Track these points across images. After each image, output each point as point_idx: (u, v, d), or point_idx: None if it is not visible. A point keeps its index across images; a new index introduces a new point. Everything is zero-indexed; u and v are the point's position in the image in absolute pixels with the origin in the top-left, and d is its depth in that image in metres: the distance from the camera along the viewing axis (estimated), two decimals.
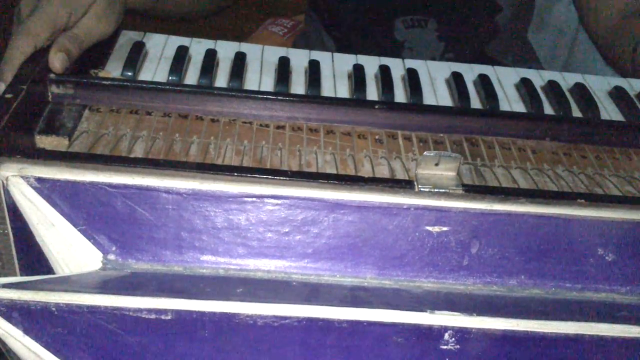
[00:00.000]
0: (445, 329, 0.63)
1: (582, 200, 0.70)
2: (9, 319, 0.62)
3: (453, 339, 0.63)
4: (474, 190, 0.70)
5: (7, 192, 0.67)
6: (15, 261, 0.69)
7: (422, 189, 0.69)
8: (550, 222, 0.70)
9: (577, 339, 0.64)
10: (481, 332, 0.63)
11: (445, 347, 0.64)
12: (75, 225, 0.68)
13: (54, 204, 0.67)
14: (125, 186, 0.67)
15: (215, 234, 0.69)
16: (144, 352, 0.64)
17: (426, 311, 0.63)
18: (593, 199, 0.71)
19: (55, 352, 0.63)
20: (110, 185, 0.67)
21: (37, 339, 0.63)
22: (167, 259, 0.69)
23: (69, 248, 0.68)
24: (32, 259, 0.69)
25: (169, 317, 0.62)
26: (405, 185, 0.69)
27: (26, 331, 0.63)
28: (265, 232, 0.69)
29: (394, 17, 1.19)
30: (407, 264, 0.70)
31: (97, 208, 0.68)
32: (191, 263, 0.69)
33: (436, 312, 0.63)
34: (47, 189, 0.67)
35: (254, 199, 0.68)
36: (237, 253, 0.69)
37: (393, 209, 0.69)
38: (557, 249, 0.71)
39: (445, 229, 0.70)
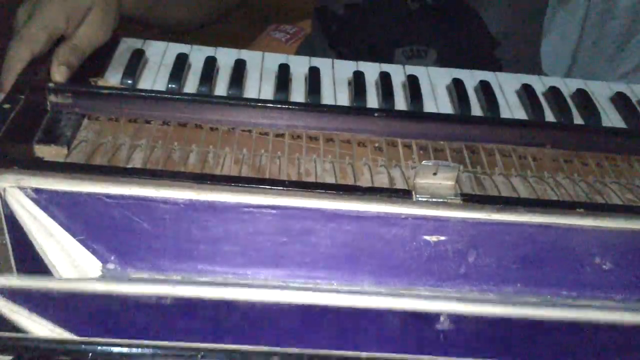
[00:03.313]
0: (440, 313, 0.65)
1: (581, 210, 0.70)
2: (14, 300, 0.66)
3: (448, 320, 0.64)
4: (472, 200, 0.69)
5: (4, 203, 0.67)
6: (14, 271, 0.69)
7: (420, 199, 0.69)
8: (548, 232, 0.70)
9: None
10: (476, 317, 0.64)
11: (440, 327, 0.65)
12: (74, 235, 0.68)
13: (52, 215, 0.67)
14: (123, 197, 0.67)
15: (213, 243, 0.69)
16: (146, 327, 0.69)
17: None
18: (592, 208, 0.70)
19: (62, 326, 0.68)
20: (108, 196, 0.67)
21: (43, 315, 0.67)
22: (165, 267, 0.69)
23: (68, 258, 0.68)
24: (31, 269, 0.69)
25: (168, 302, 0.66)
26: (403, 195, 0.69)
27: (31, 310, 0.67)
28: (263, 242, 0.69)
29: (394, 46, 1.19)
30: (404, 273, 0.70)
31: (95, 218, 0.68)
32: (189, 272, 0.69)
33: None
34: (45, 200, 0.67)
35: (252, 209, 0.68)
36: (234, 262, 0.69)
37: (391, 218, 0.69)
38: (554, 258, 0.70)
39: (442, 238, 0.69)
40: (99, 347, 0.69)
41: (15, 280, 0.67)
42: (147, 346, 0.69)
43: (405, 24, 1.18)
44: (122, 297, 0.67)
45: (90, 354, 0.69)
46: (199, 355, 0.69)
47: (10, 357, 0.69)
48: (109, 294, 0.67)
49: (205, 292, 0.68)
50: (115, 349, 0.69)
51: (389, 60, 1.18)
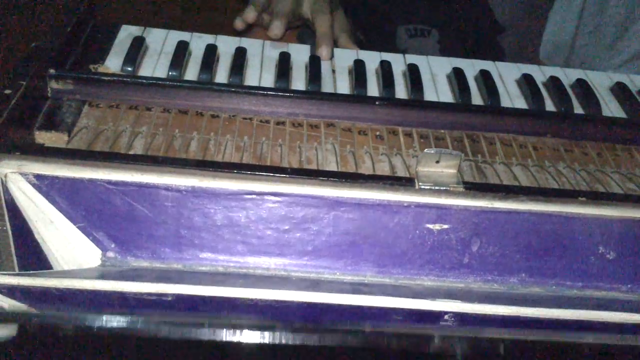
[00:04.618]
0: (444, 312, 0.64)
1: (583, 198, 0.70)
2: (13, 297, 0.63)
3: (453, 318, 0.64)
4: (474, 188, 0.69)
5: (5, 188, 0.66)
6: (14, 258, 0.69)
7: (422, 187, 0.69)
8: (550, 220, 0.70)
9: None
10: (480, 317, 0.63)
11: (445, 323, 0.64)
12: (74, 223, 0.68)
13: (52, 201, 0.67)
14: (124, 183, 0.67)
15: (215, 231, 0.69)
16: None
17: (427, 299, 0.63)
18: (593, 197, 0.70)
19: None
20: (109, 182, 0.67)
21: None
22: (166, 256, 0.69)
23: (68, 245, 0.68)
24: (31, 256, 0.69)
25: (169, 299, 0.63)
26: (406, 182, 0.69)
27: (31, 306, 0.64)
28: (265, 230, 0.69)
29: (397, 23, 1.19)
30: (407, 262, 0.70)
31: (96, 205, 0.68)
32: (190, 260, 0.69)
33: (437, 299, 0.63)
34: (46, 186, 0.67)
35: (254, 196, 0.68)
36: (236, 250, 0.69)
37: (393, 206, 0.69)
38: (557, 246, 0.70)
39: (445, 226, 0.69)
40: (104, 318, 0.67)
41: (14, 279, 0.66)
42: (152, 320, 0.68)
43: (410, 2, 1.18)
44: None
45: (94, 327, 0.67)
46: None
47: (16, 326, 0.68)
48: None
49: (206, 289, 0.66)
50: (120, 321, 0.67)
51: (391, 38, 1.18)
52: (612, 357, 0.66)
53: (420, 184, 0.69)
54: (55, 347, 0.66)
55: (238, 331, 0.64)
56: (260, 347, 0.64)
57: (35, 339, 0.66)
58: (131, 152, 0.72)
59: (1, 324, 0.65)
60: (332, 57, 0.94)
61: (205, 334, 0.64)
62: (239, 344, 0.64)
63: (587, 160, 0.81)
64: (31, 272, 0.67)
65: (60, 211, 0.68)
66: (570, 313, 0.65)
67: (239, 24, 1.05)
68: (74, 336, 0.65)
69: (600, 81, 0.97)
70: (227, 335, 0.64)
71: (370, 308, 0.65)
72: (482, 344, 0.66)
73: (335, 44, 1.00)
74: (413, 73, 0.90)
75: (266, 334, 0.63)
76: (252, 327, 0.65)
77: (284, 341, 0.64)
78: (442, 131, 0.82)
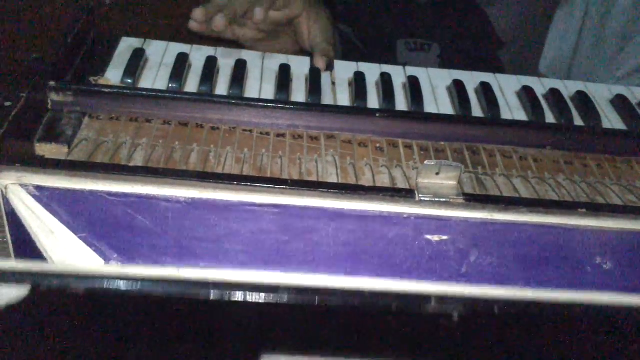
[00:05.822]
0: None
1: (583, 210, 0.70)
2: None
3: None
4: (474, 200, 0.69)
5: (6, 200, 0.66)
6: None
7: (422, 198, 0.69)
8: (550, 232, 0.70)
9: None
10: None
11: None
12: (76, 233, 0.68)
13: (53, 212, 0.67)
14: (125, 194, 0.67)
15: (215, 242, 0.69)
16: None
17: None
18: (593, 209, 0.70)
19: None
20: (110, 194, 0.67)
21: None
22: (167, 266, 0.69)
23: (70, 255, 0.68)
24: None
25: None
26: (406, 194, 0.69)
27: None
28: (265, 241, 0.69)
29: (398, 37, 1.19)
30: (406, 272, 0.70)
31: (97, 216, 0.68)
32: None
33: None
34: (47, 197, 0.67)
35: (254, 208, 0.68)
36: (237, 261, 0.69)
37: (393, 218, 0.69)
38: (556, 258, 0.70)
39: (445, 237, 0.69)
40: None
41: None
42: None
43: (411, 16, 1.19)
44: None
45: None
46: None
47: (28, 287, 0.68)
48: None
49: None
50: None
51: (392, 52, 1.19)
52: (607, 320, 0.66)
53: (420, 195, 0.69)
54: (67, 307, 0.66)
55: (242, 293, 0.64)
56: (260, 306, 0.64)
57: (47, 300, 0.66)
58: (131, 164, 0.72)
59: (14, 284, 0.64)
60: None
61: (212, 294, 0.64)
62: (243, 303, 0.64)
63: (587, 172, 0.81)
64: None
65: (61, 222, 0.68)
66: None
67: (219, 24, 1.01)
68: (86, 297, 0.66)
69: (601, 93, 0.97)
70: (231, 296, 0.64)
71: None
72: (479, 304, 0.66)
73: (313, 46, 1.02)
74: (413, 85, 0.90)
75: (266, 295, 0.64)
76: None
77: (285, 301, 0.64)
78: (442, 143, 0.82)
